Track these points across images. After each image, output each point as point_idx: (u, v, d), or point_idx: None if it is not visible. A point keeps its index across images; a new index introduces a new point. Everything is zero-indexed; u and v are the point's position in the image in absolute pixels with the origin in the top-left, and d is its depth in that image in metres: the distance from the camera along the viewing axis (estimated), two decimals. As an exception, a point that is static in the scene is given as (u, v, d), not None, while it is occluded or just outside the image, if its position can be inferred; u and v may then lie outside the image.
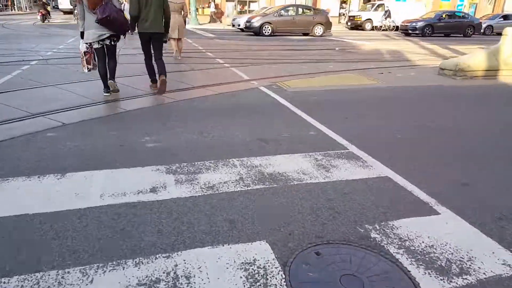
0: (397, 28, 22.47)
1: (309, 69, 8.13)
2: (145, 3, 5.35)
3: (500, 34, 23.79)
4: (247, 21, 18.47)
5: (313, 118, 4.54)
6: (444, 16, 20.53)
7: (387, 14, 23.76)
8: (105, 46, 5.21)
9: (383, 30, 23.78)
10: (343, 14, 31.63)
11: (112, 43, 5.27)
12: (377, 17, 24.23)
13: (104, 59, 5.28)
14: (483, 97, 6.02)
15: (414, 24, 19.79)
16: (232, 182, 2.77)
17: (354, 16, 25.63)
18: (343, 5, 32.22)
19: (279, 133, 3.97)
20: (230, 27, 22.93)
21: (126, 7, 13.08)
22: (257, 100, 5.42)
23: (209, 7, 29.38)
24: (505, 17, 23.60)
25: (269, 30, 17.78)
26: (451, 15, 20.99)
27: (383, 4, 25.11)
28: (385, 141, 3.88)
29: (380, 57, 10.80)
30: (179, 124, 4.17)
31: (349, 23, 25.86)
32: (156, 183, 2.71)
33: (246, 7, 30.03)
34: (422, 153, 3.54)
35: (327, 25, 18.88)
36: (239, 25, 20.43)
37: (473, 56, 7.75)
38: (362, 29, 24.26)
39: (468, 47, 14.05)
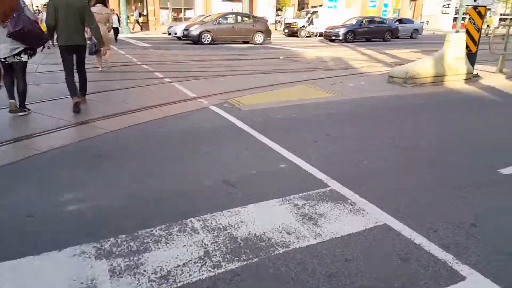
0: (321, 34, 22.89)
1: (259, 82, 7.51)
2: (63, 13, 4.72)
3: (398, 37, 25.20)
4: (185, 30, 17.52)
5: (278, 144, 3.88)
6: (364, 22, 21.39)
7: (310, 21, 24.33)
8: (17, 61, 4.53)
9: (307, 36, 24.18)
10: (279, 22, 31.91)
11: (29, 57, 4.60)
12: (312, 24, 24.61)
13: (12, 74, 4.62)
14: (442, 105, 5.85)
15: (337, 30, 20.33)
16: (194, 263, 1.97)
17: (290, 24, 25.91)
18: (279, 12, 32.52)
19: (245, 169, 3.25)
20: (166, 35, 21.73)
21: (44, 16, 11.53)
22: (211, 124, 4.63)
23: (141, 14, 27.68)
24: (400, 21, 25.22)
25: (208, 38, 17.01)
26: (371, 20, 21.96)
27: (317, 11, 25.68)
28: (365, 169, 3.35)
29: (326, 66, 10.57)
30: (114, 168, 3.25)
31: (286, 30, 26.06)
32: (80, 280, 1.82)
33: (181, 15, 28.90)
34: (411, 184, 3.04)
35: (267, 33, 18.63)
36: (175, 33, 19.37)
37: (420, 63, 7.71)
38: (298, 36, 24.55)
39: (402, 51, 14.56)
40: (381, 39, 21.22)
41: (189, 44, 17.06)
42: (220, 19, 17.78)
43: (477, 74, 7.58)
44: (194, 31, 16.93)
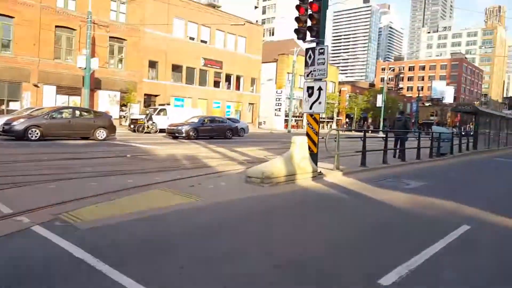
0: (162, 131, 23.20)
1: (103, 187, 6.26)
2: None
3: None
4: (6, 124, 14.68)
5: (133, 279, 2.86)
6: (206, 121, 22.89)
7: (149, 117, 24.70)
8: None
9: (146, 132, 24.14)
10: (124, 117, 31.02)
11: None
12: (160, 121, 24.66)
13: None
14: (300, 206, 5.93)
15: (180, 127, 20.98)
16: None
17: (137, 119, 25.36)
18: (123, 108, 31.76)
19: None
20: (-22, 130, 17.79)
21: None
22: (33, 258, 3.22)
23: None
24: (229, 119, 27.69)
25: (37, 134, 14.57)
26: (212, 120, 23.75)
27: (165, 109, 26.14)
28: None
29: (181, 164, 10.09)
30: None
31: (132, 126, 25.27)
32: None
33: (3, 107, 24.76)
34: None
35: (111, 128, 17.36)
36: (-8, 128, 16.05)
37: (273, 163, 8.00)
38: (136, 132, 24.08)
39: (249, 149, 15.53)
40: (223, 137, 22.62)
41: (11, 141, 14.19)
42: (54, 113, 15.75)
43: (320, 171, 8.32)
44: (19, 125, 14.32)
